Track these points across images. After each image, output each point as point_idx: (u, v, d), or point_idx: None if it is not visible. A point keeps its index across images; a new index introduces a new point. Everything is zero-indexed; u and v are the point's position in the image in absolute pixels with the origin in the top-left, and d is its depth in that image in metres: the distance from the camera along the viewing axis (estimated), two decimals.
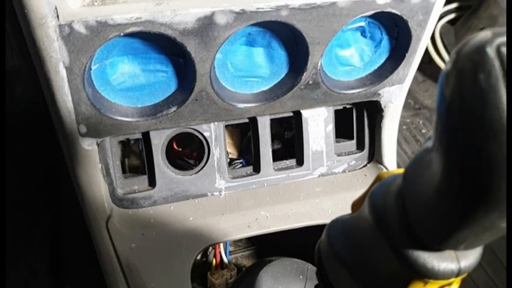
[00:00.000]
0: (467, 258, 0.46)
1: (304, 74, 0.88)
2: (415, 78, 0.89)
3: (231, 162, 1.04)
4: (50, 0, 0.68)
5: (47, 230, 1.25)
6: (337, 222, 0.56)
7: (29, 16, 0.69)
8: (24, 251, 1.15)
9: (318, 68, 0.88)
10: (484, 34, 0.38)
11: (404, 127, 1.95)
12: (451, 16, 2.15)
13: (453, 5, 2.15)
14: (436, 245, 0.45)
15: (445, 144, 0.39)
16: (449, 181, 0.40)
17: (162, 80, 0.84)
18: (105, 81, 0.82)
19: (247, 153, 1.12)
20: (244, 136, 1.16)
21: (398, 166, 1.78)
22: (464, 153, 0.38)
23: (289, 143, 1.12)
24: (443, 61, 2.03)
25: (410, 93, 1.00)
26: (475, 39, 0.38)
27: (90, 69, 0.79)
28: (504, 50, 0.36)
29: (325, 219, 0.98)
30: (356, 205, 0.54)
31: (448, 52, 2.07)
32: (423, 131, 1.94)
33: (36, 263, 1.21)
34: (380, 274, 0.49)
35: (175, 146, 1.10)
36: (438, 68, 2.03)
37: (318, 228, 0.99)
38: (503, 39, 0.37)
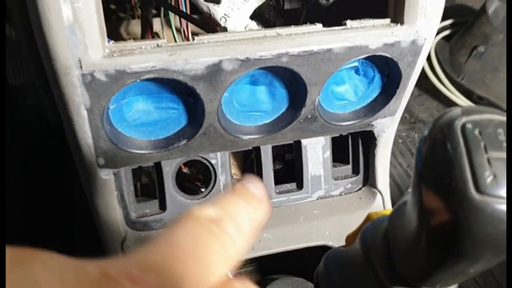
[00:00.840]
0: None
1: (303, 109, 0.95)
2: (411, 93, 0.97)
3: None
4: (75, 53, 0.76)
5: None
6: (334, 253, 0.63)
7: (55, 66, 0.77)
8: None
9: (316, 104, 0.95)
10: (456, 111, 0.47)
11: (400, 140, 2.02)
12: (446, 32, 2.22)
13: (448, 22, 2.22)
14: (416, 284, 0.52)
15: (418, 197, 0.47)
16: (421, 232, 0.48)
17: (173, 116, 0.92)
18: (122, 118, 0.90)
19: (250, 173, 1.21)
20: (247, 157, 1.24)
21: (394, 179, 1.86)
22: (432, 209, 0.45)
23: (290, 164, 1.20)
24: (437, 77, 2.10)
25: (405, 107, 1.07)
26: (447, 114, 0.46)
27: (108, 108, 0.87)
28: (469, 127, 0.44)
29: (324, 241, 1.06)
30: (349, 239, 0.62)
31: (442, 68, 2.13)
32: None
33: None
34: None
35: (182, 167, 1.18)
36: (433, 83, 2.11)
37: (317, 249, 1.07)
38: (469, 118, 0.45)
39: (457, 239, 0.43)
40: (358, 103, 1.03)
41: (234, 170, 1.24)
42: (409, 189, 0.50)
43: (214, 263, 0.33)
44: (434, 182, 0.44)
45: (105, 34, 0.79)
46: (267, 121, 0.99)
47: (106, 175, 0.94)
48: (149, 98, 0.90)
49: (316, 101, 0.95)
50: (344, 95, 1.02)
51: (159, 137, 0.94)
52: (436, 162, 0.44)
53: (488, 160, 0.42)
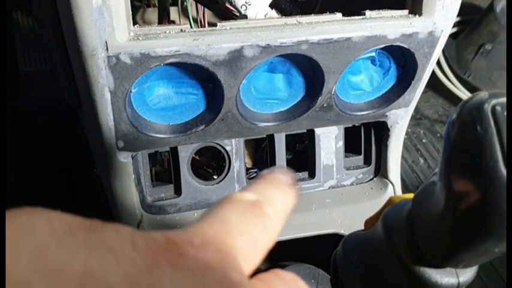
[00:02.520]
0: (465, 274, 0.55)
1: (320, 98, 0.97)
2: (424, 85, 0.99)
3: (246, 171, 1.13)
4: (101, 35, 0.77)
5: None
6: (352, 237, 0.63)
7: (81, 48, 0.79)
8: None
9: (332, 93, 0.97)
10: (483, 94, 0.48)
11: (406, 136, 2.02)
12: (453, 30, 2.22)
13: (455, 19, 2.23)
14: (439, 263, 0.53)
15: (447, 180, 0.48)
16: (448, 213, 0.49)
17: (192, 101, 0.93)
18: (143, 102, 0.91)
19: (261, 162, 1.22)
20: (258, 146, 1.26)
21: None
22: (461, 191, 0.47)
23: (300, 154, 1.22)
24: (443, 74, 2.11)
25: None
26: (476, 98, 0.48)
27: (131, 92, 0.88)
28: (499, 109, 0.45)
29: (335, 229, 1.07)
30: (369, 223, 0.63)
31: (449, 65, 2.15)
32: (423, 140, 2.00)
33: None
34: (390, 285, 0.58)
35: (194, 155, 1.19)
36: (439, 79, 2.12)
37: (328, 237, 1.09)
38: (498, 100, 0.46)
39: (485, 218, 0.44)
40: (373, 93, 1.04)
41: (246, 159, 1.25)
42: (436, 170, 0.51)
43: (260, 241, 0.35)
44: (464, 163, 0.46)
45: (131, 18, 0.80)
46: (283, 109, 1.00)
47: (124, 158, 0.96)
48: (170, 83, 0.91)
49: (333, 90, 0.97)
50: (360, 84, 1.03)
51: (178, 122, 0.95)
52: (467, 143, 0.46)
53: None
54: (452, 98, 2.11)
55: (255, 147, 1.28)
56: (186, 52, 0.82)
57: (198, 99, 0.93)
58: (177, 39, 0.81)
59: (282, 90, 0.98)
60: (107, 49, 0.79)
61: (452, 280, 0.54)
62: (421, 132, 2.06)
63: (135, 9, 1.32)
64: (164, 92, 0.92)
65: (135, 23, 0.81)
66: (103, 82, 0.82)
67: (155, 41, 0.80)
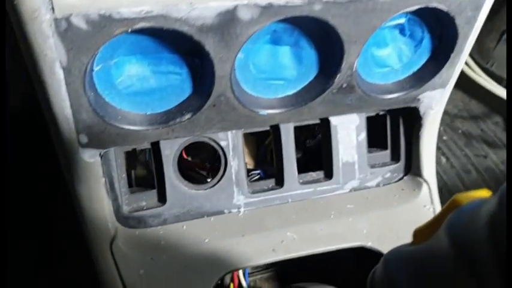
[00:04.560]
0: None
1: (338, 76, 0.77)
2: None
3: (247, 174, 0.93)
4: None
5: (38, 251, 1.14)
6: (397, 254, 0.50)
7: (18, 9, 0.59)
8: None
9: (354, 69, 0.77)
10: None
11: None
12: None
13: None
14: None
15: None
16: None
17: (175, 83, 0.74)
18: (110, 84, 0.72)
19: (265, 163, 1.02)
20: (260, 143, 1.05)
21: None
22: None
23: (311, 152, 1.02)
24: (465, 63, 1.93)
25: None
26: None
27: (92, 70, 0.68)
28: None
29: (361, 241, 0.88)
30: (421, 234, 0.47)
31: (470, 54, 1.96)
32: (444, 137, 1.86)
33: None
34: None
35: (184, 155, 0.99)
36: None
37: (352, 251, 0.88)
38: None
39: None
40: (403, 71, 0.85)
41: (247, 159, 1.05)
42: None
43: None
44: None
45: None
46: (291, 92, 0.81)
47: (90, 157, 0.76)
48: (145, 59, 0.72)
49: (354, 66, 0.77)
50: (386, 60, 0.84)
51: (158, 110, 0.76)
52: None
53: None
54: (472, 91, 1.95)
55: (256, 144, 1.07)
56: (161, 14, 0.63)
57: (181, 79, 0.74)
58: None
59: (289, 68, 0.79)
60: (53, 9, 0.59)
61: None
62: (441, 128, 1.90)
63: None
64: (138, 71, 0.73)
65: None
66: (52, 55, 0.63)
67: None
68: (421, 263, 0.45)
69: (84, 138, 0.73)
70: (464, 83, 1.96)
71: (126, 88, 0.73)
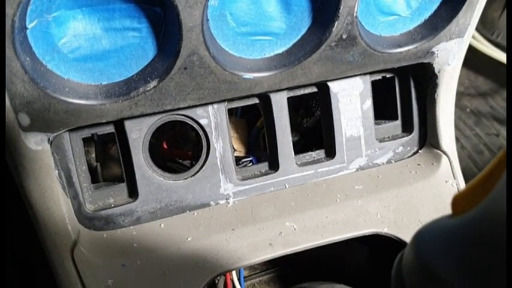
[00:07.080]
0: None
1: (336, 24, 0.64)
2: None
3: (237, 162, 0.79)
4: None
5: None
6: (436, 229, 0.40)
7: None
8: None
9: (354, 15, 0.63)
10: None
11: None
12: None
13: None
14: None
15: None
16: None
17: (134, 42, 0.62)
18: (51, 46, 0.58)
19: (256, 149, 0.90)
20: (251, 128, 0.93)
21: None
22: None
23: (310, 133, 0.88)
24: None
25: None
26: None
27: (26, 28, 0.54)
28: None
29: (374, 228, 0.76)
30: (463, 202, 0.38)
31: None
32: None
33: None
34: None
35: (165, 146, 0.85)
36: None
37: (363, 240, 0.74)
38: None
39: None
40: (412, 20, 0.74)
41: (236, 145, 0.91)
42: None
43: None
44: None
45: None
46: (281, 50, 0.68)
47: (36, 144, 0.62)
48: (93, 13, 0.59)
49: (354, 11, 0.63)
50: (392, 6, 0.72)
51: (115, 79, 0.63)
52: None
53: None
54: (479, 66, 1.84)
55: (247, 128, 0.93)
56: None
57: (141, 37, 0.61)
58: None
59: (276, 19, 0.67)
60: None
61: None
62: None
63: None
64: (85, 28, 0.59)
65: None
66: None
67: None
68: (467, 237, 0.36)
69: (25, 119, 0.59)
70: (468, 57, 1.86)
71: (72, 51, 0.59)
